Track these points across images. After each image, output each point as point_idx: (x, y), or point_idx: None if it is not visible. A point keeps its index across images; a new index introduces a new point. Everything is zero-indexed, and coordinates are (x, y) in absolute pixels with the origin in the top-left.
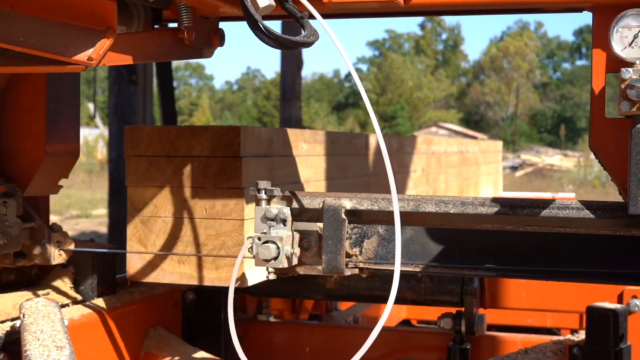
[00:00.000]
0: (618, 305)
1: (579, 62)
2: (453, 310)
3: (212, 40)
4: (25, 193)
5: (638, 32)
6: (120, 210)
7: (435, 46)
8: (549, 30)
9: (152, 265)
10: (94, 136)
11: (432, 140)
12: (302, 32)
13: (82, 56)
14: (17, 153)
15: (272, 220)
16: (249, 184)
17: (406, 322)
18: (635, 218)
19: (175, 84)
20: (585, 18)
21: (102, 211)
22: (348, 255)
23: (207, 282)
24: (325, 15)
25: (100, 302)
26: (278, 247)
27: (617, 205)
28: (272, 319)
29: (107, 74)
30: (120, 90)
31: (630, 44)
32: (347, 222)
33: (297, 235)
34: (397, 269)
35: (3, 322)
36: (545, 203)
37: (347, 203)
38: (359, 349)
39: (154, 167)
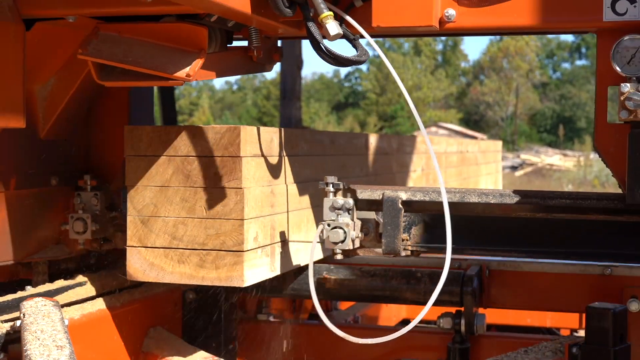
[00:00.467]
0: (617, 305)
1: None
2: (453, 309)
3: (273, 56)
4: (112, 187)
5: (634, 53)
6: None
7: (435, 46)
8: None
9: (152, 265)
10: None
11: (432, 140)
12: (355, 51)
13: (182, 73)
14: (105, 153)
15: (339, 209)
16: (248, 184)
17: (406, 322)
18: (631, 206)
19: None
20: None
21: None
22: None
23: (207, 282)
24: (372, 36)
25: (100, 302)
26: (345, 232)
27: (617, 196)
28: (272, 319)
29: None
30: None
31: (628, 63)
32: (403, 211)
33: (358, 222)
34: (449, 250)
35: (5, 321)
36: (567, 195)
37: (403, 195)
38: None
39: (154, 167)
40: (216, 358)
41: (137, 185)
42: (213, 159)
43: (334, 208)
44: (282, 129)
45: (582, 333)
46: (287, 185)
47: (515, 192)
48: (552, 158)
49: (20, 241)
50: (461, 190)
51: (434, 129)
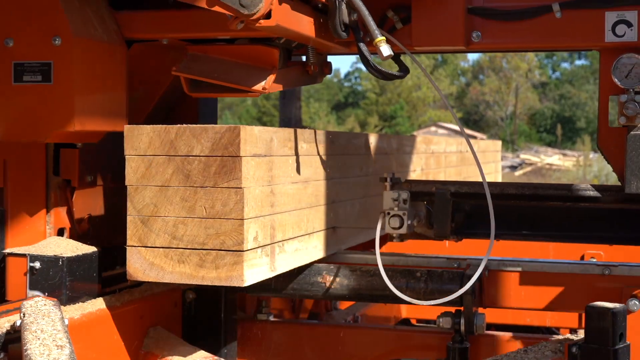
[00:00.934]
0: (617, 305)
1: (578, 62)
2: (452, 309)
3: (324, 70)
4: None
5: (631, 69)
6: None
7: None
8: None
9: (152, 264)
10: None
11: (432, 139)
12: (398, 67)
13: (259, 86)
14: None
15: (397, 200)
16: (248, 184)
17: (406, 321)
18: (629, 195)
19: None
20: None
21: None
22: None
23: (207, 282)
24: (412, 52)
25: (100, 301)
26: (402, 220)
27: (617, 187)
28: (272, 318)
29: None
30: None
31: (625, 77)
32: (451, 201)
33: (412, 211)
34: (492, 235)
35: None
36: (585, 187)
37: (451, 188)
38: (358, 349)
39: (154, 167)
40: (216, 358)
41: (137, 185)
42: (213, 159)
43: (392, 199)
44: (282, 129)
45: (581, 332)
46: (287, 185)
47: (548, 185)
48: (551, 158)
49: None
50: (501, 184)
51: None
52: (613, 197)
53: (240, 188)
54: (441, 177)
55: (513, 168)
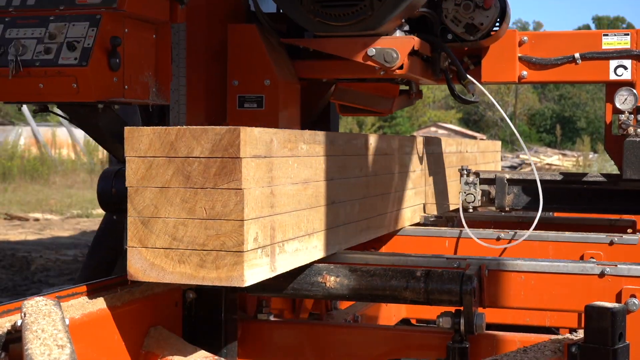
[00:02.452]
0: (616, 304)
1: None
2: (452, 309)
3: (418, 95)
4: None
5: (626, 98)
6: None
7: None
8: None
9: (153, 265)
10: None
11: (431, 140)
12: (472, 95)
13: (386, 109)
14: None
15: (469, 184)
16: (248, 185)
17: (405, 321)
18: (625, 180)
19: None
20: (583, 19)
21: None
22: None
23: (207, 282)
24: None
25: (101, 301)
26: (474, 197)
27: (618, 175)
28: (272, 318)
29: None
30: None
31: (622, 103)
32: (507, 185)
33: (480, 191)
34: (540, 208)
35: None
36: (595, 175)
37: (507, 175)
38: (358, 348)
39: (154, 168)
40: (216, 357)
41: (137, 186)
42: (213, 160)
43: (466, 183)
44: (282, 130)
45: (581, 332)
46: (287, 186)
47: (567, 173)
48: (551, 158)
49: None
50: (544, 173)
51: (433, 128)
52: (615, 181)
53: (241, 189)
54: (441, 178)
55: (513, 168)
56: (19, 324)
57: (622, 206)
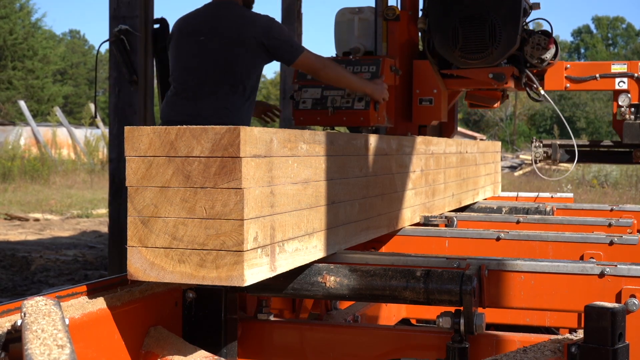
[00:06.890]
0: (616, 304)
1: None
2: (452, 309)
3: (504, 98)
4: None
5: (624, 99)
6: (121, 210)
7: None
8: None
9: (153, 264)
10: (95, 136)
11: (431, 140)
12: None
13: (496, 105)
14: None
15: (537, 147)
16: (248, 185)
17: (405, 321)
18: (624, 144)
19: None
20: (583, 19)
21: (103, 211)
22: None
23: (207, 282)
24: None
25: (100, 301)
26: (542, 154)
27: (619, 141)
28: (272, 318)
29: (108, 74)
30: (121, 90)
31: (622, 102)
32: (558, 148)
33: (542, 151)
34: (576, 158)
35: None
36: (607, 144)
37: (558, 142)
38: (358, 348)
39: (154, 168)
40: (216, 357)
41: (137, 186)
42: (213, 160)
43: (535, 147)
44: (282, 130)
45: (580, 332)
46: (286, 186)
47: (592, 141)
48: None
49: None
50: (577, 144)
51: None
52: (617, 144)
53: (240, 189)
54: (441, 178)
55: (513, 168)
56: (19, 323)
57: (621, 158)
